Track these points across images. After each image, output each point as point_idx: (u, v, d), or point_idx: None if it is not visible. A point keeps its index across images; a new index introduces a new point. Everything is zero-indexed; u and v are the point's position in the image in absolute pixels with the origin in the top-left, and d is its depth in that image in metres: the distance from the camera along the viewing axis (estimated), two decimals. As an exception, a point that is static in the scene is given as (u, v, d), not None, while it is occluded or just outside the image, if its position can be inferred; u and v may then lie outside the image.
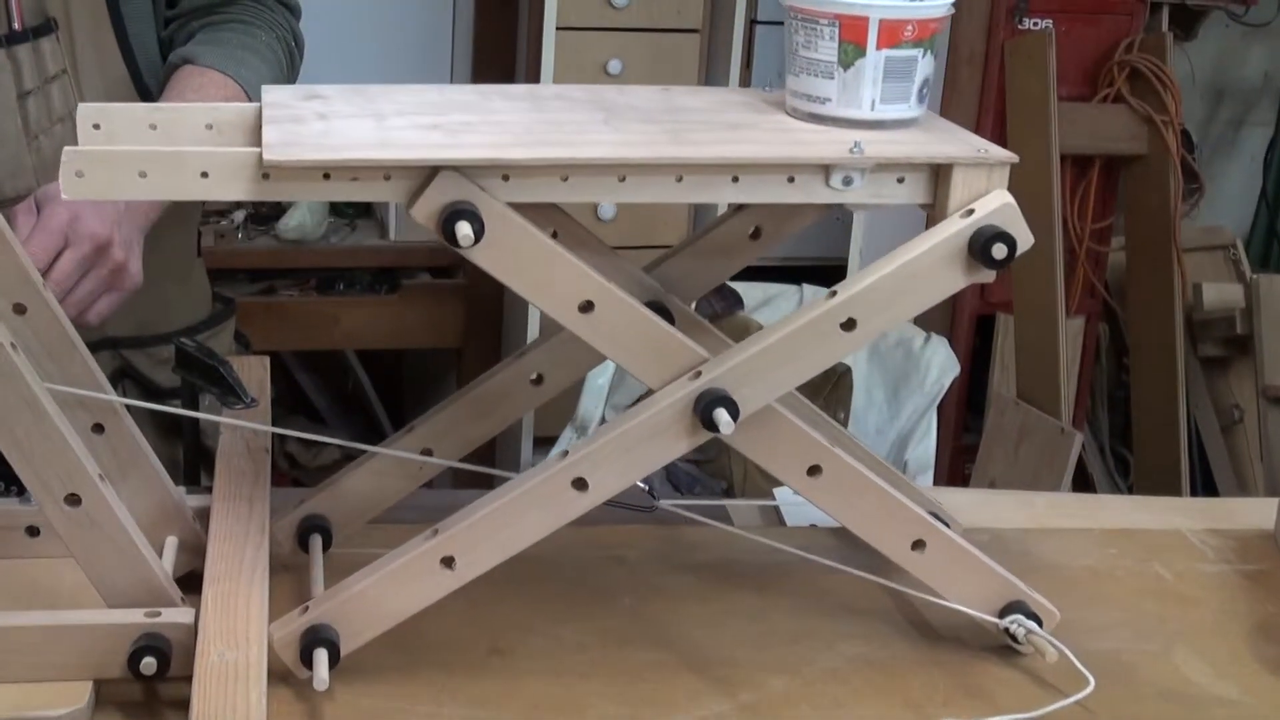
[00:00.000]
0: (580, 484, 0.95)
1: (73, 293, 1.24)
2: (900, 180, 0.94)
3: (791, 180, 0.93)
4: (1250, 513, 1.34)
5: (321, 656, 0.94)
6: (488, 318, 2.95)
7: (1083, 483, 3.17)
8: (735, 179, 0.93)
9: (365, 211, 3.11)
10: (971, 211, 0.93)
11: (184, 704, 0.88)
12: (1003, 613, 1.04)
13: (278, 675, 0.96)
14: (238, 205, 3.00)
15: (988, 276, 0.94)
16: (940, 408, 2.69)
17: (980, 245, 0.92)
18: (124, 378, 1.49)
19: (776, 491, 1.28)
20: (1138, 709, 1.02)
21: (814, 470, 0.98)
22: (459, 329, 2.95)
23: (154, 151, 0.89)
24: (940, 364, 2.54)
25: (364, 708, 0.96)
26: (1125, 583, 1.20)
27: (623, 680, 1.02)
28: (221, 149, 0.90)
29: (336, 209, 3.07)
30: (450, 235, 0.88)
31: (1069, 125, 2.92)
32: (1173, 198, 3.03)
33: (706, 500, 1.31)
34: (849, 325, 0.94)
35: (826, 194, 0.93)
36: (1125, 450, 3.36)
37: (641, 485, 1.05)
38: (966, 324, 3.17)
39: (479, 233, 0.89)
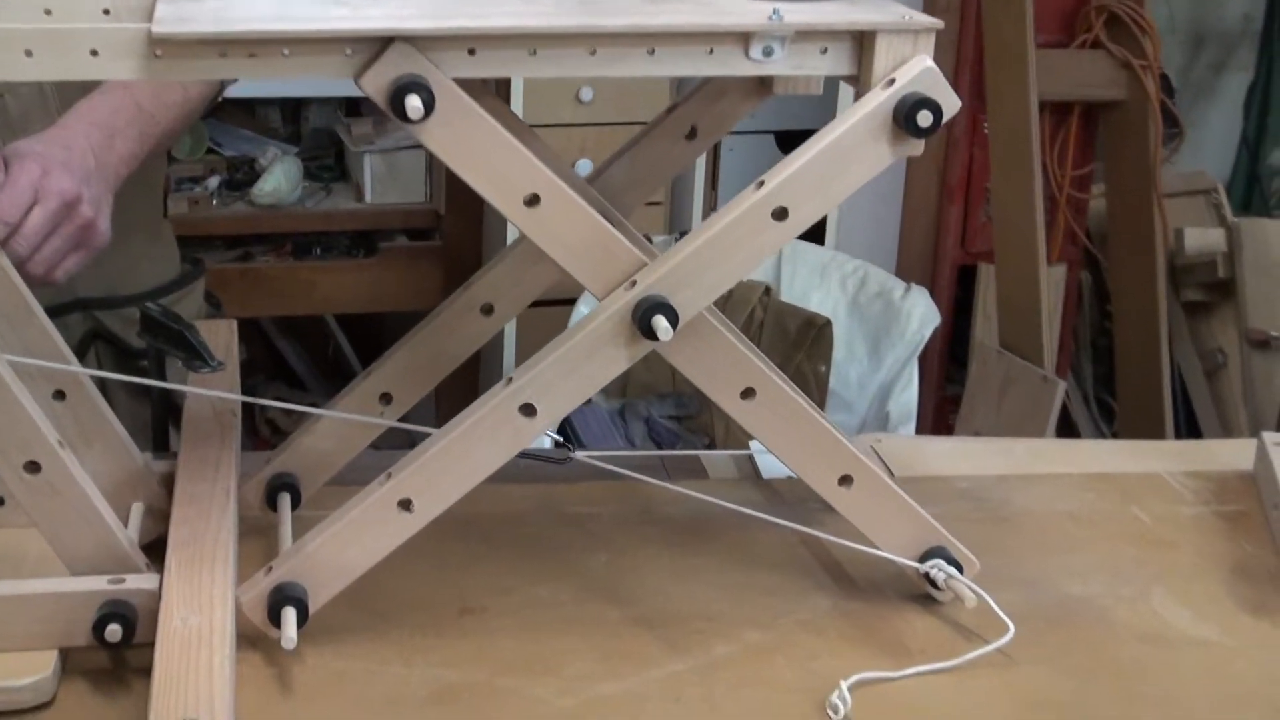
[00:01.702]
0: (528, 409, 0.93)
1: (41, 249, 1.22)
2: (823, 51, 0.91)
3: (710, 52, 0.90)
4: (1230, 454, 1.33)
5: (289, 615, 0.93)
6: (465, 279, 2.93)
7: (1067, 430, 3.16)
8: (651, 51, 0.89)
9: (341, 175, 3.09)
10: (893, 81, 0.90)
11: (151, 670, 0.87)
12: (924, 557, 1.03)
13: (247, 640, 0.95)
14: (211, 171, 2.98)
15: (916, 148, 0.91)
16: (923, 359, 2.68)
17: (905, 114, 0.89)
18: (96, 339, 1.48)
19: (751, 442, 1.27)
20: (1116, 651, 1.01)
21: (748, 393, 0.97)
22: (437, 291, 2.94)
23: (39, 30, 0.85)
24: (921, 314, 2.53)
25: (334, 670, 0.95)
26: (1103, 527, 1.19)
27: (597, 636, 1.01)
28: (110, 26, 0.86)
29: (311, 173, 3.05)
30: (400, 109, 0.85)
31: (1047, 72, 2.89)
32: (1153, 143, 3.01)
33: (672, 453, 1.29)
34: (780, 214, 0.92)
35: (747, 66, 0.90)
36: (1109, 397, 3.36)
37: (555, 436, 1.04)
38: (948, 274, 3.16)
39: (429, 105, 0.86)
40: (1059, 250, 3.12)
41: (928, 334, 2.54)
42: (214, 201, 2.91)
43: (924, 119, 0.90)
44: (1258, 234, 3.16)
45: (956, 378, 3.21)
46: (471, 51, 0.87)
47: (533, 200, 0.91)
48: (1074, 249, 3.20)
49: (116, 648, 0.92)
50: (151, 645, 0.90)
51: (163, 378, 1.25)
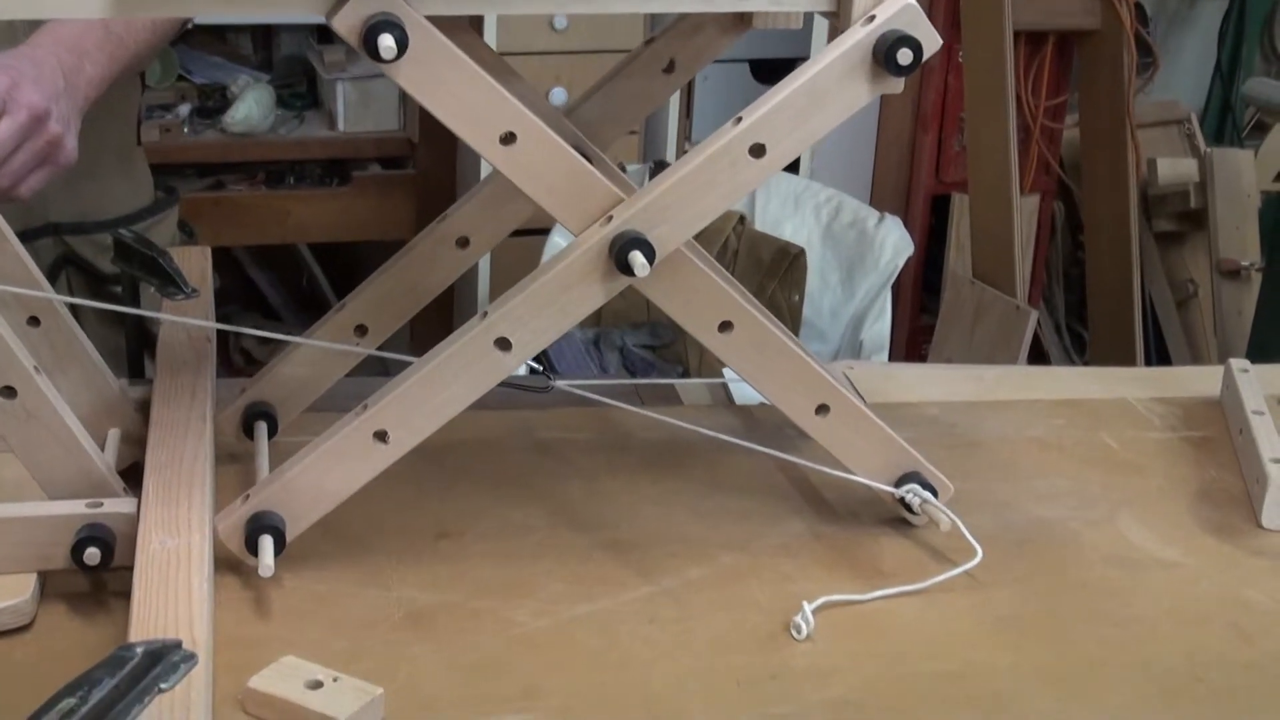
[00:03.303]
0: (503, 344, 0.93)
1: (8, 162, 1.22)
2: None
3: None
4: (1198, 380, 1.35)
5: (266, 543, 0.93)
6: (440, 208, 2.90)
7: (1039, 360, 3.18)
8: None
9: (313, 103, 3.07)
10: (873, 18, 0.90)
11: (129, 593, 0.88)
12: (899, 482, 1.04)
13: (225, 564, 0.96)
14: (182, 99, 2.95)
15: (895, 86, 0.91)
16: (896, 289, 2.69)
17: (885, 51, 0.89)
18: (67, 264, 1.48)
19: (725, 370, 1.28)
20: (1082, 574, 1.03)
21: (725, 326, 0.97)
22: (411, 220, 2.93)
23: None
24: (894, 244, 2.54)
25: (312, 593, 0.96)
26: (1072, 452, 1.21)
27: (573, 560, 1.02)
28: None
29: (284, 101, 3.03)
30: (373, 48, 0.85)
31: (1022, 1, 2.89)
32: (1126, 73, 3.01)
33: (646, 380, 1.30)
34: (758, 151, 0.92)
35: (726, 1, 0.91)
36: (1081, 327, 3.38)
37: (535, 365, 1.04)
38: (921, 204, 3.17)
39: (402, 45, 0.86)
40: (1032, 180, 3.13)
41: (901, 263, 2.55)
42: (185, 130, 2.89)
43: (904, 57, 0.90)
44: (1230, 164, 3.17)
45: (929, 307, 3.22)
46: None
47: (508, 138, 0.91)
48: (1047, 179, 3.21)
49: (95, 571, 0.93)
50: (129, 568, 0.90)
51: (137, 305, 1.25)
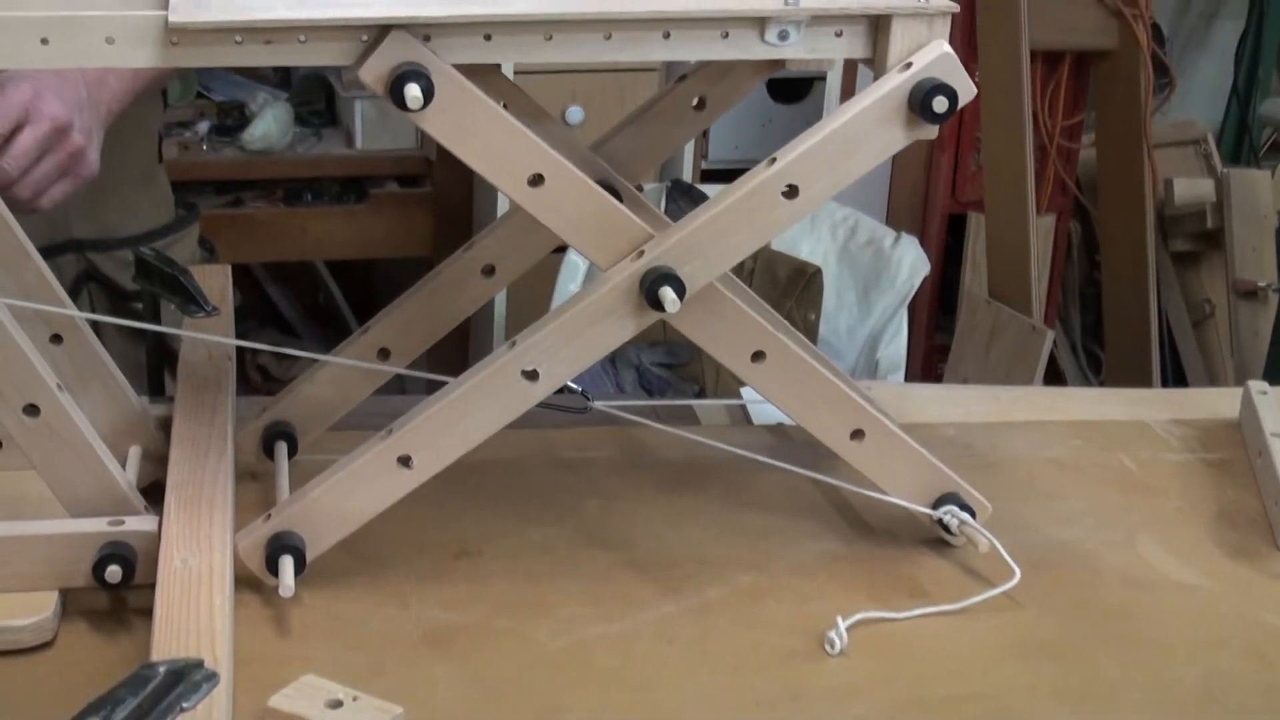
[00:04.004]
0: (530, 374, 0.94)
1: (29, 173, 1.22)
2: (838, 34, 0.92)
3: (725, 36, 0.91)
4: (1216, 402, 1.35)
5: (287, 563, 0.94)
6: (457, 226, 2.94)
7: (1055, 380, 3.17)
8: (667, 35, 0.90)
9: (331, 120, 3.08)
10: (909, 65, 0.91)
11: (150, 611, 0.88)
12: (937, 504, 1.04)
13: (245, 582, 0.96)
14: (201, 116, 2.97)
15: (929, 132, 0.92)
16: (912, 308, 2.69)
17: (921, 99, 0.90)
18: (89, 281, 1.48)
19: (743, 390, 1.28)
20: (1101, 594, 1.03)
21: (758, 355, 0.98)
22: (429, 238, 2.93)
23: (55, 16, 0.85)
24: (911, 263, 2.54)
25: (332, 612, 0.97)
26: (1090, 473, 1.21)
27: (591, 579, 1.02)
28: (126, 13, 0.86)
29: (302, 119, 3.04)
30: (399, 98, 0.86)
31: (1038, 20, 2.88)
32: (1144, 93, 3.01)
33: (665, 401, 1.30)
34: (791, 192, 0.92)
35: (762, 49, 0.91)
36: (1097, 347, 3.37)
37: (574, 386, 1.05)
38: (937, 223, 3.16)
39: (428, 94, 0.87)
40: (1048, 200, 3.12)
41: (917, 283, 2.55)
42: (204, 147, 2.90)
43: (939, 105, 0.90)
44: (1247, 184, 3.16)
45: (945, 326, 3.22)
46: (487, 38, 0.88)
47: (536, 180, 0.91)
48: (1063, 199, 3.20)
49: (116, 588, 0.93)
50: (150, 586, 0.91)
51: (157, 322, 1.26)
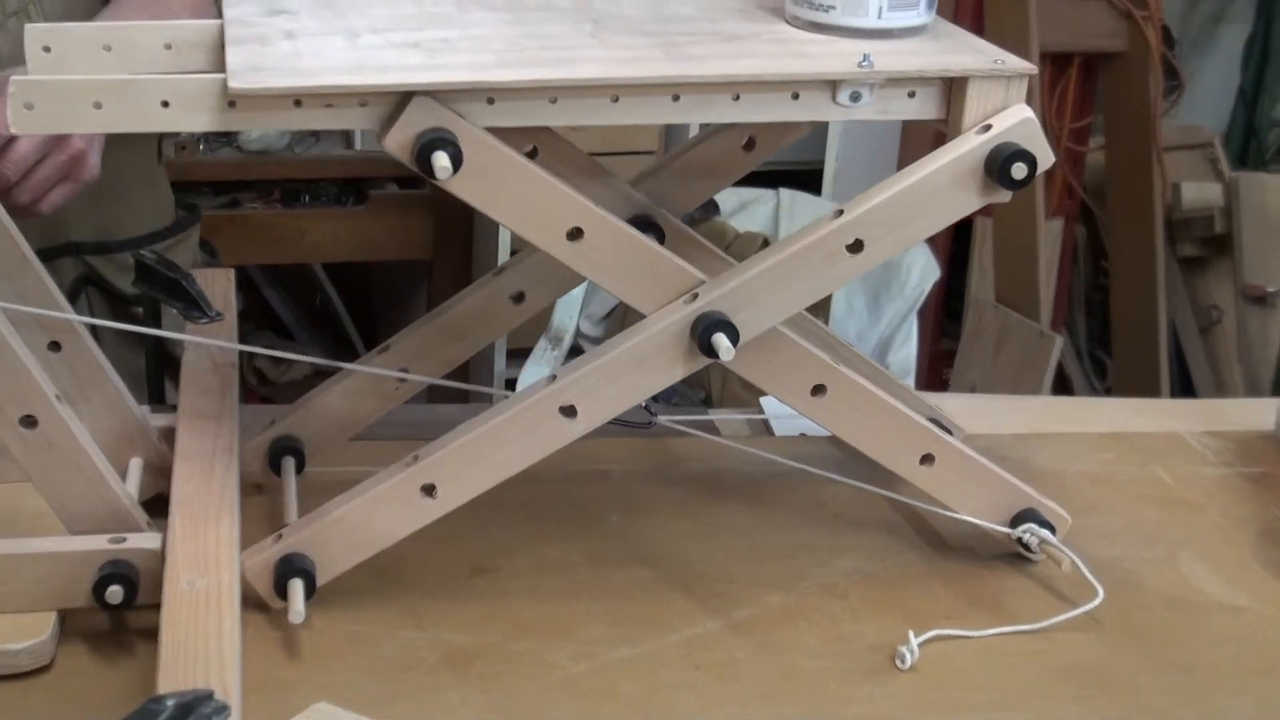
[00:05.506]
0: (569, 411, 0.90)
1: (30, 176, 1.19)
2: (911, 95, 0.89)
3: (796, 97, 0.87)
4: (1247, 414, 1.31)
5: (297, 587, 0.89)
6: (457, 229, 2.90)
7: (1062, 386, 3.15)
8: (736, 97, 0.87)
9: (329, 121, 3.04)
10: (989, 127, 0.88)
11: (153, 633, 0.84)
12: (1014, 522, 1.00)
13: (251, 602, 0.92)
14: (197, 116, 2.92)
15: (1004, 197, 0.89)
16: (919, 313, 2.65)
17: (999, 164, 0.87)
18: (88, 284, 1.44)
19: (764, 402, 1.24)
20: (1144, 618, 0.99)
21: (818, 390, 0.94)
22: (428, 240, 2.89)
23: (111, 81, 0.83)
24: (921, 269, 2.50)
25: (342, 634, 0.92)
26: (1125, 488, 1.16)
27: (612, 599, 0.98)
28: (183, 76, 0.84)
29: (299, 119, 2.99)
30: (426, 166, 0.83)
31: (1047, 22, 2.86)
32: (1153, 96, 2.98)
33: (698, 415, 1.26)
34: (856, 247, 0.89)
35: (833, 111, 0.88)
36: (1103, 353, 3.34)
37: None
38: (945, 228, 3.13)
39: (457, 161, 0.83)
40: (1056, 204, 3.09)
41: (927, 288, 2.51)
42: (201, 147, 2.86)
43: (1018, 171, 0.87)
44: (1255, 188, 3.13)
45: (951, 331, 3.18)
46: (553, 100, 0.85)
47: (575, 234, 0.88)
48: (1071, 203, 3.17)
49: (117, 609, 0.89)
50: (153, 607, 0.86)
51: (158, 327, 1.22)
